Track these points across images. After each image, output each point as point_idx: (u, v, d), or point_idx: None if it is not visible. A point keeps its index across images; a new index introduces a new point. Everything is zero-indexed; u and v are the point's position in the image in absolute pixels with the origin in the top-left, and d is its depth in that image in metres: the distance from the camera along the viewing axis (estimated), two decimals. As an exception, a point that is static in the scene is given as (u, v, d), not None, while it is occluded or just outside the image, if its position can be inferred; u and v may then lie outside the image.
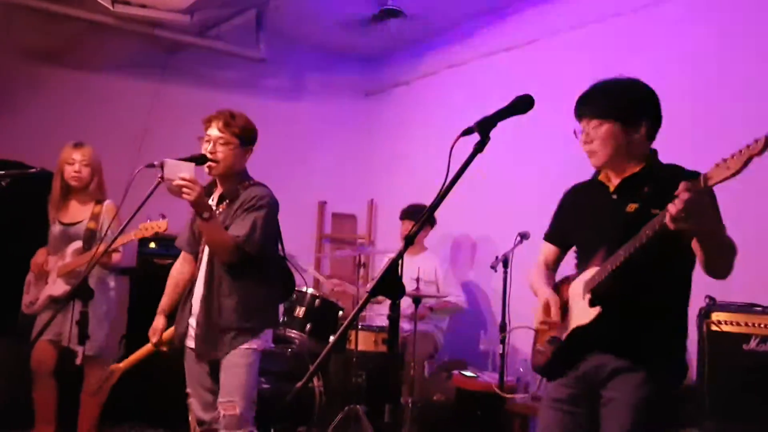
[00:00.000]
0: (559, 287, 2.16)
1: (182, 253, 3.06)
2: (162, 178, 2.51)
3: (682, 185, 1.64)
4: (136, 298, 4.69)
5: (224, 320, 2.72)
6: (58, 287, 3.54)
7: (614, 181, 2.06)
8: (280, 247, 2.95)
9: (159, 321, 2.94)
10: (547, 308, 2.08)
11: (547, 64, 4.58)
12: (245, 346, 2.72)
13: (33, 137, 4.64)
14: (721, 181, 1.60)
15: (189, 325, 2.81)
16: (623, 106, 2.01)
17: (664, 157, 2.09)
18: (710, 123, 3.60)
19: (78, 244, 3.57)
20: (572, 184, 2.27)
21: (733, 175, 1.57)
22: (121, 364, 3.48)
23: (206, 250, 2.81)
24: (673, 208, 1.65)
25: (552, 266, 2.31)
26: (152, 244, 4.72)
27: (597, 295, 1.96)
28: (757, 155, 1.55)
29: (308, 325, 3.98)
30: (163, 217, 2.94)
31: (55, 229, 3.63)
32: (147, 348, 3.40)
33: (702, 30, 3.75)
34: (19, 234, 3.95)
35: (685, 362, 2.03)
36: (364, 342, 4.13)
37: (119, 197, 2.82)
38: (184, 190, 2.51)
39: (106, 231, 3.36)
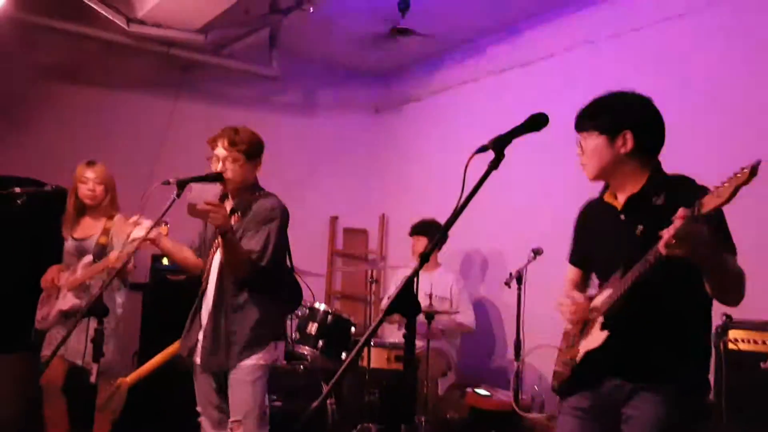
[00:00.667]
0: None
1: None
2: (188, 202, 2.56)
3: (679, 211, 1.64)
4: (149, 314, 4.70)
5: (231, 332, 2.72)
6: (67, 301, 3.57)
7: (620, 200, 2.05)
8: (288, 258, 2.96)
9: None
10: (570, 296, 2.07)
11: (560, 80, 4.59)
12: (252, 361, 2.72)
13: (49, 155, 4.69)
14: (714, 209, 1.60)
15: (198, 340, 2.81)
16: (604, 118, 2.02)
17: (686, 171, 2.07)
18: (722, 135, 3.59)
19: (88, 258, 3.60)
20: (584, 203, 2.27)
21: (725, 203, 1.58)
22: (128, 378, 3.49)
23: (215, 263, 2.82)
24: (665, 234, 1.67)
25: (580, 287, 2.30)
26: (165, 260, 4.73)
27: (607, 318, 1.96)
28: (744, 185, 1.54)
29: (320, 342, 3.96)
30: (166, 223, 2.94)
31: (69, 245, 3.68)
32: (154, 361, 3.40)
33: (711, 46, 3.75)
34: (34, 251, 3.99)
35: (706, 380, 2.01)
36: (376, 359, 4.11)
37: (134, 212, 2.84)
38: (211, 215, 2.55)
39: (123, 245, 3.32)
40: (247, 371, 2.71)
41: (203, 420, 2.87)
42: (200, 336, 2.80)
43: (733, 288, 1.85)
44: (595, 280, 2.22)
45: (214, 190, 2.63)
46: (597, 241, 2.15)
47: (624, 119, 2.00)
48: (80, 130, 4.96)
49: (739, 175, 1.54)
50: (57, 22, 4.56)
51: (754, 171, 1.52)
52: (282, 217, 2.79)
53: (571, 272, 2.32)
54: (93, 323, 3.08)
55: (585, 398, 2.05)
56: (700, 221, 1.64)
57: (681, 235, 1.63)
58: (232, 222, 2.81)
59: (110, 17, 4.46)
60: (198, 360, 2.80)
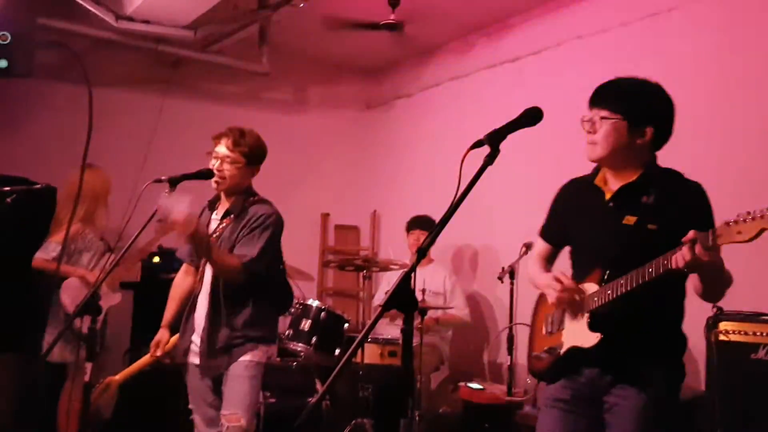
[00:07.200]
0: None
1: (184, 265, 3.07)
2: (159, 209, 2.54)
3: (690, 235, 1.66)
4: (140, 312, 4.68)
5: (228, 336, 2.72)
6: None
7: (611, 187, 2.04)
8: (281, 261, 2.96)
9: (163, 334, 2.96)
10: (559, 281, 2.04)
11: (550, 75, 4.60)
12: (248, 358, 2.73)
13: (38, 153, 4.66)
14: (728, 243, 1.59)
15: (192, 342, 2.81)
16: (634, 106, 1.98)
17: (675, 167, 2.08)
18: (712, 131, 3.61)
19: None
20: (567, 181, 2.24)
21: (743, 242, 1.55)
22: (117, 377, 3.52)
23: (209, 266, 2.81)
24: (681, 260, 1.69)
25: (548, 261, 2.29)
26: (156, 258, 4.73)
27: (596, 318, 1.95)
28: None
29: (314, 338, 3.95)
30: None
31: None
32: (144, 360, 3.44)
33: (701, 41, 3.77)
34: (24, 250, 3.96)
35: (682, 365, 2.04)
36: (370, 355, 4.12)
37: (125, 210, 2.82)
38: (177, 229, 2.53)
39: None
40: (243, 366, 2.72)
41: (196, 418, 2.86)
42: (195, 338, 2.80)
43: (720, 293, 1.92)
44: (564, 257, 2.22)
45: (185, 202, 2.57)
46: (579, 222, 2.13)
47: (651, 113, 1.99)
48: (69, 127, 4.87)
49: (766, 217, 1.50)
50: (45, 19, 4.51)
51: None
52: (277, 224, 2.79)
53: (541, 246, 2.29)
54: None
55: (566, 389, 2.05)
56: (713, 250, 1.65)
57: (693, 264, 1.67)
58: (225, 224, 2.80)
59: (99, 14, 4.42)
60: (195, 360, 2.79)
